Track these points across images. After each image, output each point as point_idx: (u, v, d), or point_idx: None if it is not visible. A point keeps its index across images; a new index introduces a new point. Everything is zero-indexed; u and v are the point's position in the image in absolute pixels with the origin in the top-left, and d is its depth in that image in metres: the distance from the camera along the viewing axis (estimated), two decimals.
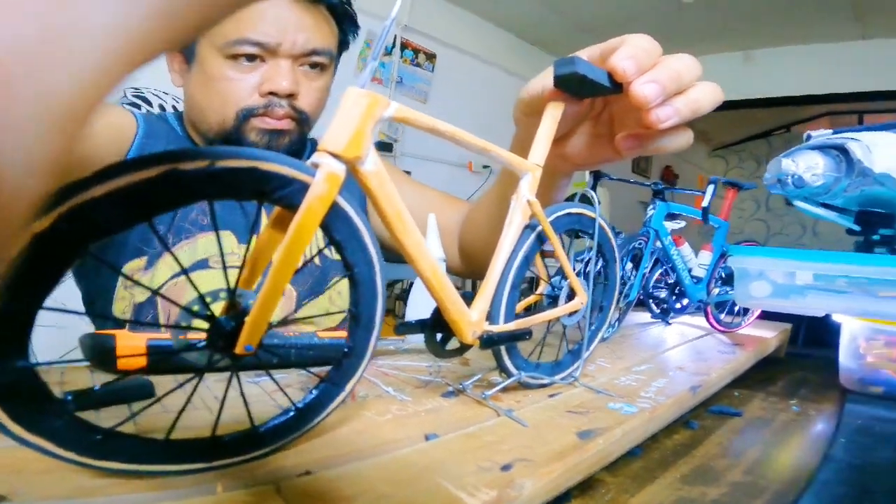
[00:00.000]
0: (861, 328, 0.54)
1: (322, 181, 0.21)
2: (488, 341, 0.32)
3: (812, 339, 0.67)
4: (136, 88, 1.31)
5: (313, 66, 0.60)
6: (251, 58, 0.56)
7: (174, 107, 1.22)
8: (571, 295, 0.38)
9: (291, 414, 0.25)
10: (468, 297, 0.31)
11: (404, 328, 0.31)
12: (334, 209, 0.22)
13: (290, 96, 0.58)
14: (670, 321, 0.72)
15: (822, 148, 0.50)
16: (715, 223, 0.69)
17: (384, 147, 2.47)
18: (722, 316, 0.72)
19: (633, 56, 0.31)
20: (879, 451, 0.39)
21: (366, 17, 0.71)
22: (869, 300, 0.51)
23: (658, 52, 0.32)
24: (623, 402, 0.37)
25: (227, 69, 0.56)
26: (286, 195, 0.21)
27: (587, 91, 0.34)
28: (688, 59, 0.33)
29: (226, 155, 0.19)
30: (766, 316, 0.75)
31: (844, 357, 0.55)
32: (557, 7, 2.88)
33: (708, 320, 0.69)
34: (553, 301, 0.37)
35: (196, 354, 0.21)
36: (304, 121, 0.60)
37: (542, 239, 0.34)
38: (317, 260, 0.63)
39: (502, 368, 0.36)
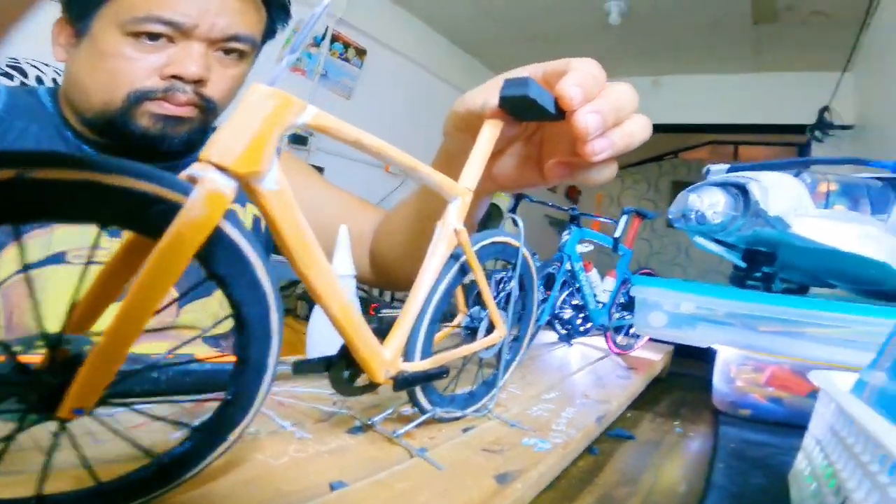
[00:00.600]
0: (733, 354, 0.57)
1: (200, 203, 0.16)
2: (403, 382, 0.28)
3: (686, 351, 0.72)
4: (12, 58, 1.12)
5: (230, 52, 0.53)
6: (154, 36, 0.49)
7: (54, 80, 1.05)
8: (491, 327, 0.35)
9: (152, 469, 0.19)
10: (381, 333, 0.27)
11: (304, 368, 0.26)
12: (217, 237, 0.17)
13: (198, 82, 0.51)
14: (572, 343, 0.74)
15: (723, 185, 0.53)
16: (621, 251, 0.72)
17: (298, 140, 2.33)
18: (618, 338, 0.75)
19: (581, 84, 0.29)
20: (753, 476, 0.41)
21: (299, 7, 0.64)
22: (751, 334, 0.54)
23: (603, 79, 0.31)
24: (537, 438, 0.36)
25: (124, 46, 0.49)
26: (145, 218, 0.16)
27: (532, 115, 0.32)
28: (628, 89, 0.32)
29: (46, 162, 0.13)
30: (653, 337, 0.79)
31: (717, 381, 0.58)
32: (492, 15, 2.92)
33: (607, 343, 0.72)
34: (471, 333, 0.35)
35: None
36: (210, 109, 0.54)
37: (465, 270, 0.31)
38: None
39: (416, 406, 0.32)
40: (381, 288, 0.63)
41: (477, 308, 0.35)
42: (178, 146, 0.53)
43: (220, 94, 0.54)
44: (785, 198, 0.49)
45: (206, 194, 0.16)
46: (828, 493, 0.28)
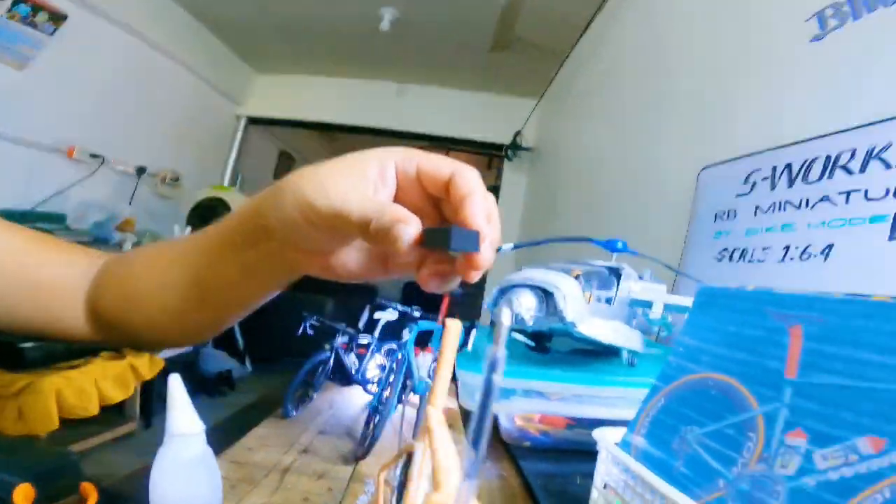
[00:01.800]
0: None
1: None
2: None
3: None
4: None
5: None
6: None
7: None
8: None
9: None
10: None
11: None
12: None
13: None
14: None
15: (531, 287, 0.63)
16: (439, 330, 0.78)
17: None
18: None
19: (492, 220, 0.30)
20: None
21: None
22: (546, 402, 0.67)
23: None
24: None
25: None
26: None
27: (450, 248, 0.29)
28: (493, 200, 0.32)
29: None
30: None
31: (504, 422, 0.69)
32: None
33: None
34: None
35: None
36: None
37: None
38: None
39: None
40: (105, 343, 0.48)
41: None
42: None
43: None
44: (575, 304, 0.62)
45: None
46: None
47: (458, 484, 0.19)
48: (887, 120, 0.87)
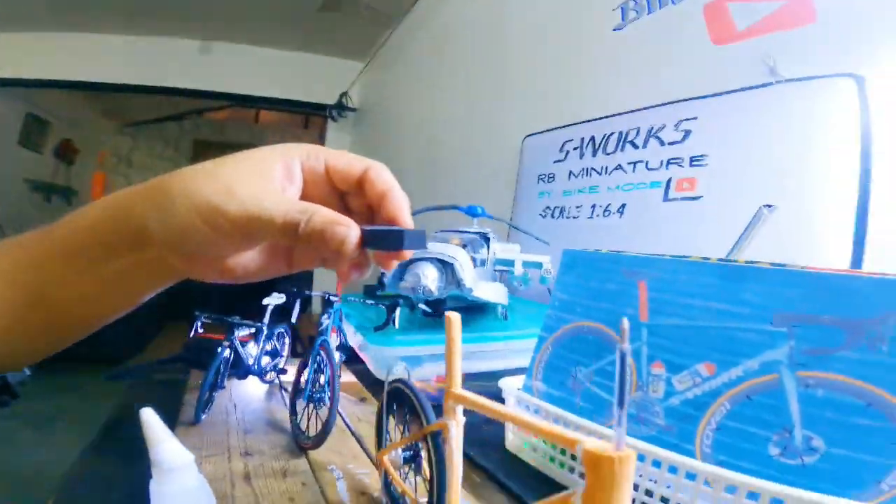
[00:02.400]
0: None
1: None
2: None
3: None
4: None
5: None
6: None
7: None
8: None
9: None
10: None
11: None
12: None
13: None
14: None
15: (432, 260, 0.69)
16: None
17: None
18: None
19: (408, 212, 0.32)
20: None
21: None
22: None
23: None
24: None
25: None
26: None
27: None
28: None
29: None
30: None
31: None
32: None
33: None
34: None
35: None
36: None
37: None
38: None
39: None
40: None
41: None
42: None
43: None
44: (470, 272, 0.69)
45: None
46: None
47: None
48: (660, 105, 1.14)
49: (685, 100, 1.08)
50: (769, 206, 0.82)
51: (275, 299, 0.73)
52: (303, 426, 0.53)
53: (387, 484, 0.42)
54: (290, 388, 0.58)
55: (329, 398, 0.50)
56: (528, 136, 1.60)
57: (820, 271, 0.46)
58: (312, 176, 0.33)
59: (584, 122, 1.39)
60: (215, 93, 3.49)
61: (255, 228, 0.28)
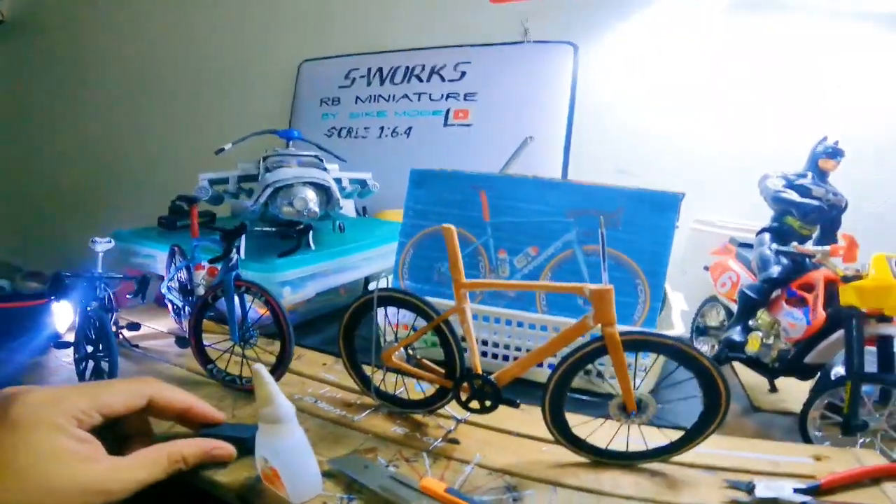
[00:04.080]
0: None
1: None
2: None
3: None
4: None
5: None
6: None
7: None
8: None
9: None
10: None
11: None
12: None
13: None
14: None
15: (311, 185, 0.71)
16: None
17: None
18: None
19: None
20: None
21: None
22: (318, 281, 0.80)
23: None
24: None
25: None
26: None
27: None
28: None
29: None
30: None
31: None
32: None
33: None
34: None
35: None
36: None
37: None
38: None
39: None
40: None
41: None
42: None
43: None
44: (339, 193, 0.75)
45: None
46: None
47: None
48: (443, 47, 1.31)
49: (463, 46, 1.28)
50: (531, 137, 1.12)
51: (104, 245, 0.63)
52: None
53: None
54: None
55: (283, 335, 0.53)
56: (305, 60, 1.57)
57: (586, 184, 0.73)
58: (94, 423, 0.34)
59: (372, 53, 1.45)
60: None
61: (135, 488, 0.33)
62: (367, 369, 0.54)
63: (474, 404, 0.47)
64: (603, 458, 0.44)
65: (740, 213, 0.97)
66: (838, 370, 0.60)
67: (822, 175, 0.74)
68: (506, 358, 0.68)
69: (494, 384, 0.45)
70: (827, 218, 0.72)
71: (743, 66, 1.02)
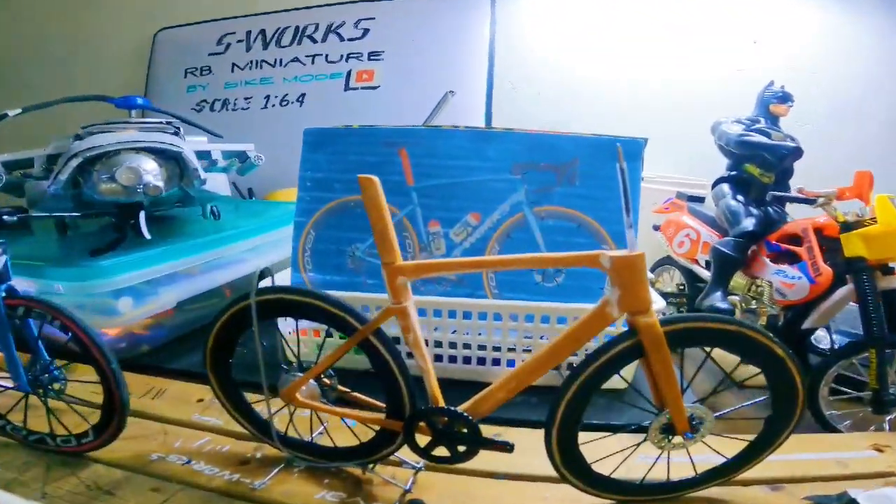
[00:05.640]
0: None
1: None
2: None
3: None
4: None
5: None
6: None
7: None
8: None
9: None
10: None
11: None
12: None
13: None
14: None
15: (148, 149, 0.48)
16: None
17: None
18: None
19: None
20: None
21: None
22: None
23: None
24: None
25: None
26: None
27: None
28: None
29: None
30: None
31: None
32: None
33: None
34: None
35: None
36: None
37: None
38: None
39: None
40: None
41: None
42: None
43: None
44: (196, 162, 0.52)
45: None
46: None
47: None
48: (340, 3, 1.09)
49: (364, 0, 1.07)
50: (452, 91, 0.94)
51: None
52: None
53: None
54: None
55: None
56: (162, 29, 1.27)
57: (531, 132, 0.57)
58: None
59: (252, 15, 1.20)
60: None
61: None
62: (261, 404, 0.33)
63: (440, 451, 0.28)
64: (637, 498, 0.29)
65: (676, 164, 0.89)
66: (821, 335, 0.52)
67: (773, 120, 0.66)
68: (481, 361, 0.51)
69: (469, 420, 0.27)
70: (791, 162, 0.63)
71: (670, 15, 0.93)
